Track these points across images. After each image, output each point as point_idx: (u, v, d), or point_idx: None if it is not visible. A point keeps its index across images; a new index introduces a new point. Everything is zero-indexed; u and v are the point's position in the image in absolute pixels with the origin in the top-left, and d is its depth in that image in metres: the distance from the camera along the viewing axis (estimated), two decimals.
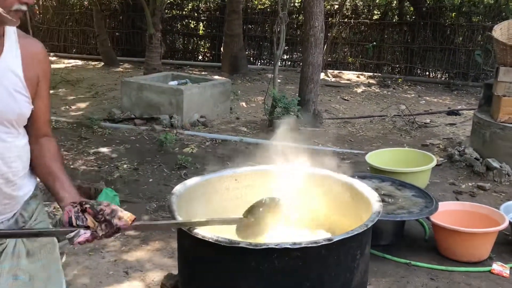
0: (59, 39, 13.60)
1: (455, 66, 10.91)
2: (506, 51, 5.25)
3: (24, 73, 1.61)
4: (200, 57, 13.18)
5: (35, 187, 1.77)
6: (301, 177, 2.38)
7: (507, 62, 5.27)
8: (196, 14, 13.33)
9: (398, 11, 12.14)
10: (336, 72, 11.49)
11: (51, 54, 12.83)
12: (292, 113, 6.74)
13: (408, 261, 3.56)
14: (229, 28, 10.86)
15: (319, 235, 2.17)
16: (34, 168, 1.73)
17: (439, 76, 11.29)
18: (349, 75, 11.36)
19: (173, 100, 6.96)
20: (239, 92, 8.85)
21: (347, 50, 12.15)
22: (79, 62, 12.47)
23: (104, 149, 5.94)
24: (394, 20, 12.05)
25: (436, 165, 5.10)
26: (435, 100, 9.30)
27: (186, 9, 13.38)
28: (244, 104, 8.41)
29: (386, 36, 11.81)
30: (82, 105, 8.17)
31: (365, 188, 2.20)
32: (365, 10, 12.34)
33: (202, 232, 1.78)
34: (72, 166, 5.30)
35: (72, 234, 1.51)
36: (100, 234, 1.53)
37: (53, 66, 11.26)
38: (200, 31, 13.27)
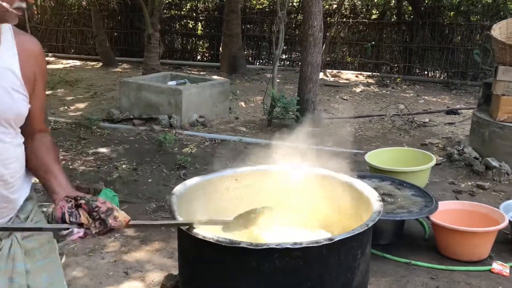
0: (58, 40, 13.57)
1: (454, 65, 10.90)
2: (505, 50, 5.25)
3: (22, 71, 1.58)
4: (198, 57, 13.18)
5: (30, 189, 1.74)
6: (301, 177, 2.37)
7: (506, 61, 5.27)
8: (194, 14, 13.31)
9: (396, 11, 12.12)
10: (335, 71, 11.49)
11: (49, 54, 12.81)
12: (291, 113, 6.74)
13: (408, 261, 3.56)
14: (227, 28, 10.85)
15: (320, 235, 2.16)
16: (27, 163, 1.68)
17: (437, 75, 11.29)
18: (348, 75, 11.36)
19: (172, 100, 6.95)
20: (238, 92, 8.86)
21: (346, 50, 12.15)
22: (78, 63, 12.44)
23: (103, 150, 5.94)
24: (392, 20, 12.04)
25: (436, 164, 5.11)
26: (434, 99, 9.31)
27: (184, 9, 13.37)
28: (243, 104, 8.41)
29: (384, 35, 11.80)
30: (81, 105, 8.16)
31: (365, 187, 2.19)
32: (364, 9, 12.34)
33: (203, 232, 1.77)
34: (71, 167, 5.29)
35: (64, 232, 1.45)
36: (93, 232, 1.48)
37: (51, 66, 11.25)
38: (199, 31, 13.25)
